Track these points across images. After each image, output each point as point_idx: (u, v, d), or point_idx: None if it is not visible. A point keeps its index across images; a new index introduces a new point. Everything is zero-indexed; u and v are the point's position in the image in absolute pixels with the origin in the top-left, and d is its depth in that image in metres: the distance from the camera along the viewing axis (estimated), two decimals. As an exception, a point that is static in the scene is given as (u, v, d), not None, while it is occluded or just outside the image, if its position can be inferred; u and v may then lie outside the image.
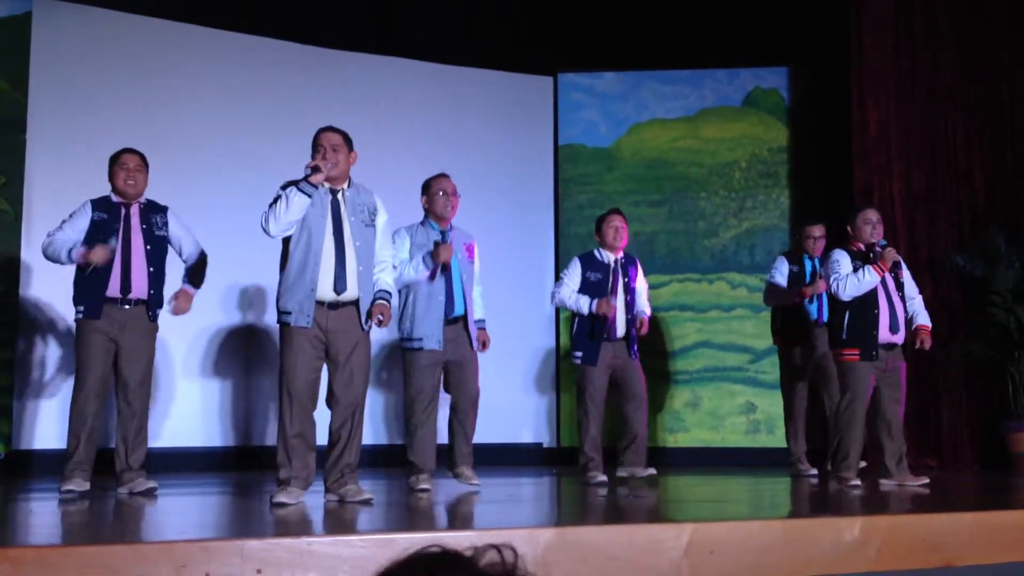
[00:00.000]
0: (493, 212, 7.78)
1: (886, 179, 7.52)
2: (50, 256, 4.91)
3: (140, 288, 4.91)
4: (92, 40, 6.98)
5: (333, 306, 4.35)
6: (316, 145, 4.45)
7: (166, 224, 5.07)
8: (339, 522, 3.79)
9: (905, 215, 7.48)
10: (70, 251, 4.83)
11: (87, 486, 4.77)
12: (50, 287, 6.50)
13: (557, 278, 8.26)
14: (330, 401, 4.43)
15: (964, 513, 3.67)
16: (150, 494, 4.80)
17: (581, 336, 5.84)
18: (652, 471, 5.80)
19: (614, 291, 5.81)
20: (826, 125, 8.08)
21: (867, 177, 7.52)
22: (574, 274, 5.89)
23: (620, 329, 5.82)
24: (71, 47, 6.89)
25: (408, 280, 5.23)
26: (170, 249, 5.12)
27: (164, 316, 5.14)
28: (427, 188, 5.46)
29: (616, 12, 8.18)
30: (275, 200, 4.34)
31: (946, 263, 7.30)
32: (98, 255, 4.80)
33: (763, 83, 8.40)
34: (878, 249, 5.48)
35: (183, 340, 6.92)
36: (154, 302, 4.99)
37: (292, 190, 4.30)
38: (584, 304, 5.78)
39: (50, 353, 6.58)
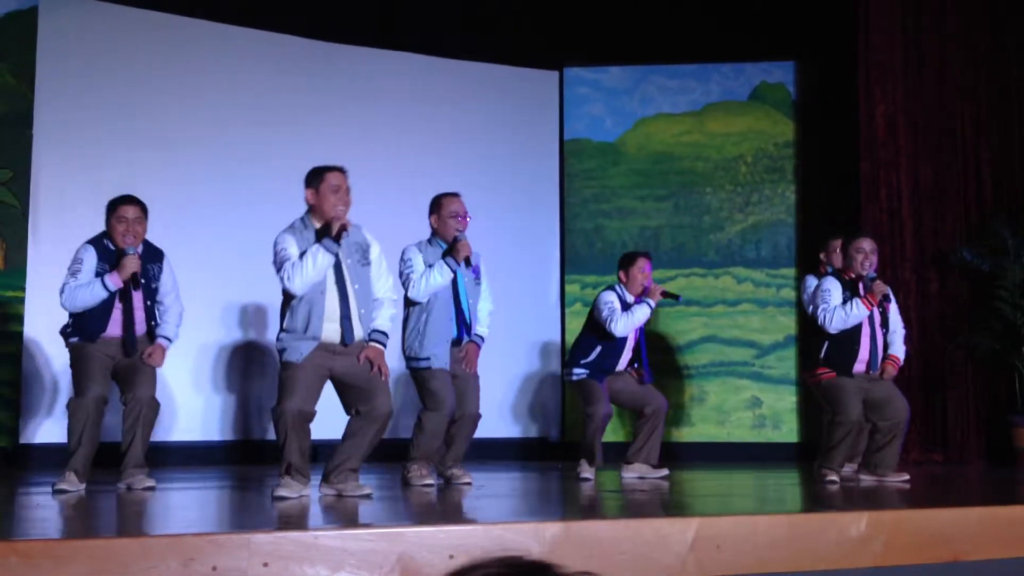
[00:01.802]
0: (498, 207, 7.77)
1: (893, 173, 7.50)
2: (81, 302, 4.76)
3: (139, 330, 4.91)
4: (98, 35, 6.98)
5: (341, 345, 4.33)
6: (332, 187, 4.31)
7: (160, 273, 4.99)
8: (346, 516, 3.80)
9: (912, 209, 7.47)
10: (103, 284, 4.74)
11: (81, 486, 4.67)
12: (56, 282, 6.50)
13: (563, 272, 8.29)
14: (354, 412, 4.39)
15: (970, 508, 3.67)
16: (148, 491, 4.74)
17: (593, 364, 5.79)
18: (664, 472, 5.80)
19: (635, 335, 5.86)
20: (833, 119, 8.05)
21: (874, 171, 7.51)
22: (615, 302, 5.79)
23: (624, 364, 5.84)
24: (77, 42, 6.90)
25: (436, 286, 5.11)
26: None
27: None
28: (438, 208, 5.28)
29: (622, 6, 8.16)
30: (282, 258, 4.26)
31: (953, 257, 7.29)
32: (129, 265, 4.76)
33: (769, 77, 8.38)
34: (867, 281, 5.36)
35: (188, 335, 6.92)
36: (154, 331, 4.96)
37: (318, 248, 4.23)
38: (645, 308, 5.76)
39: (55, 348, 6.58)
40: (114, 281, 4.75)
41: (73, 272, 4.81)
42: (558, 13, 8.14)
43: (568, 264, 8.31)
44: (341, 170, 4.39)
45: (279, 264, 4.30)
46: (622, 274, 5.91)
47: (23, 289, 6.52)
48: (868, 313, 5.34)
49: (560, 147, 8.42)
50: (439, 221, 5.26)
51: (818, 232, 6.84)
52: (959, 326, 7.30)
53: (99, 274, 4.79)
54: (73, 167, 6.65)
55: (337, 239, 4.27)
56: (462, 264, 5.16)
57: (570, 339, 8.22)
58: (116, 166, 6.63)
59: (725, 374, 8.10)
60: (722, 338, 8.13)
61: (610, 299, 5.80)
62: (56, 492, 4.59)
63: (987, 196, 7.48)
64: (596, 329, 5.81)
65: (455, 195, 5.30)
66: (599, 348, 5.79)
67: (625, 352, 5.84)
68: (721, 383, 8.09)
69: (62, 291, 4.80)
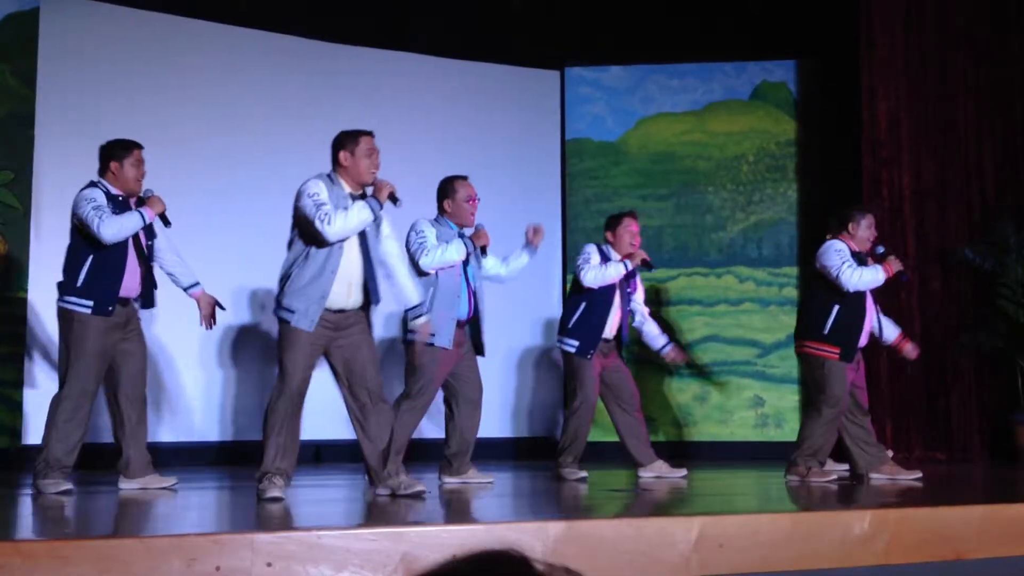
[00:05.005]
0: (499, 206, 7.77)
1: (895, 171, 7.50)
2: (124, 229, 4.60)
3: (134, 286, 4.75)
4: (100, 35, 6.98)
5: (340, 310, 4.29)
6: (365, 150, 4.36)
7: (152, 233, 4.91)
8: (349, 515, 3.80)
9: (914, 207, 7.46)
10: (141, 215, 4.65)
11: (67, 485, 4.61)
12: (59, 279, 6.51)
13: (565, 272, 8.29)
14: (353, 398, 4.34)
15: (973, 506, 3.67)
16: (158, 493, 4.75)
17: (580, 325, 5.72)
18: (683, 472, 5.81)
19: (622, 295, 5.80)
20: (834, 118, 8.05)
21: (876, 170, 7.50)
22: (594, 254, 5.80)
23: (612, 330, 5.77)
24: (79, 43, 6.89)
25: (448, 261, 5.10)
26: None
27: (170, 309, 5.06)
28: (452, 192, 5.28)
29: (623, 5, 8.16)
30: (318, 201, 4.20)
31: (955, 256, 7.28)
32: (159, 202, 4.71)
33: (771, 76, 8.37)
34: (879, 252, 5.41)
35: (190, 335, 6.91)
36: (146, 297, 4.82)
37: (363, 205, 4.23)
38: (620, 266, 5.70)
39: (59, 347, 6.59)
40: (149, 214, 4.67)
41: (97, 207, 4.62)
42: (559, 13, 8.14)
43: (570, 264, 8.30)
44: (372, 134, 4.40)
45: (316, 205, 4.18)
46: (609, 234, 5.89)
47: (25, 290, 6.52)
48: (884, 279, 5.28)
49: (561, 147, 8.42)
50: (453, 205, 5.28)
51: (820, 231, 6.82)
52: (962, 324, 7.29)
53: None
54: (75, 168, 6.59)
55: (382, 203, 4.29)
56: (477, 250, 5.25)
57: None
58: (118, 167, 6.62)
59: (727, 373, 8.10)
60: (724, 337, 8.13)
61: (589, 250, 5.82)
62: (34, 491, 4.55)
63: (989, 194, 7.47)
64: (579, 285, 5.75)
65: (465, 178, 5.34)
66: (583, 304, 5.74)
67: (612, 316, 5.73)
68: (724, 382, 8.09)
69: (99, 224, 4.56)
